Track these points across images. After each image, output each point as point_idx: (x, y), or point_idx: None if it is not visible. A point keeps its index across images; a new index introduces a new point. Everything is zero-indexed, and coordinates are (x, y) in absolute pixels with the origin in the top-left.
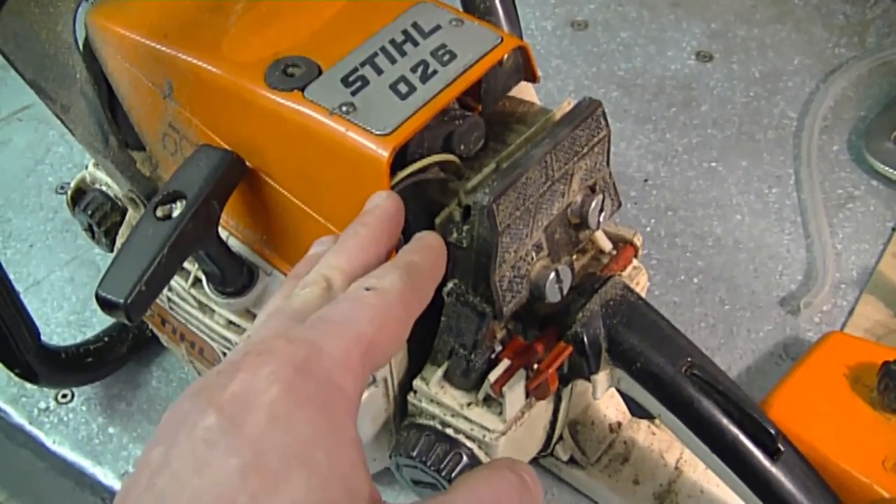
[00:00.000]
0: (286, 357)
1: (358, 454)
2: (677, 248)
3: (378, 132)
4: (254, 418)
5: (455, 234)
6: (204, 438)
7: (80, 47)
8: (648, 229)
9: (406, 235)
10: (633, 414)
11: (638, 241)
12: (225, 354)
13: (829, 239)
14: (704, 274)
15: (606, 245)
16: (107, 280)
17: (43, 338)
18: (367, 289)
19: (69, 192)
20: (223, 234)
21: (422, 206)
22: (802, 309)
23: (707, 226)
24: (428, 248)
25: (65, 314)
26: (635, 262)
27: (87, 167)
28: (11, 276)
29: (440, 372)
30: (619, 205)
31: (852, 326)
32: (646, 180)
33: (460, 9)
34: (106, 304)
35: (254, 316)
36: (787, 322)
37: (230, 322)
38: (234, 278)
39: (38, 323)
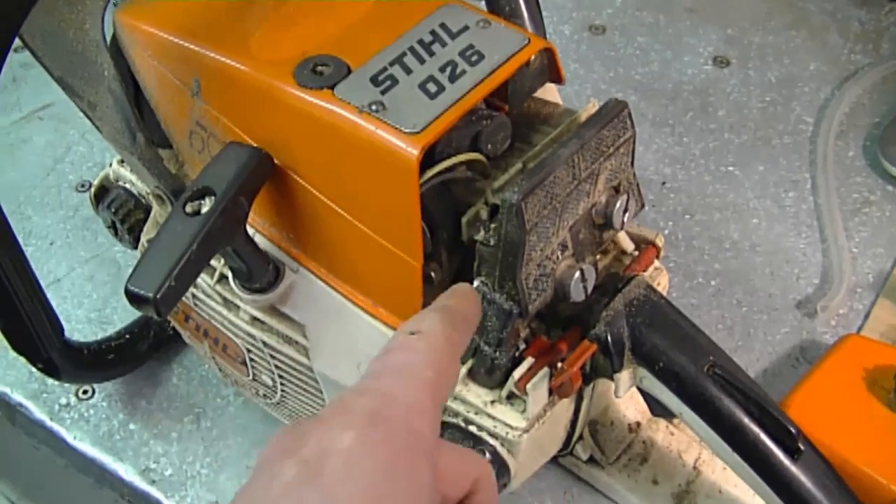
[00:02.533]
0: (360, 408)
1: (431, 498)
2: (695, 251)
3: (408, 131)
4: (330, 466)
5: (482, 233)
6: (282, 490)
7: (108, 45)
8: (666, 232)
9: (433, 233)
10: (653, 413)
11: (660, 242)
12: (249, 351)
13: (845, 243)
14: (722, 277)
15: (629, 245)
16: (136, 275)
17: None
18: (412, 333)
19: (92, 190)
20: (250, 230)
21: (448, 205)
22: (819, 312)
23: (724, 229)
24: (461, 293)
25: (85, 311)
26: (656, 262)
27: (110, 165)
28: None
29: (464, 370)
30: (643, 205)
31: (868, 330)
32: (663, 184)
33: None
34: (135, 299)
35: (279, 312)
36: (803, 325)
37: (255, 318)
38: (261, 275)
39: None
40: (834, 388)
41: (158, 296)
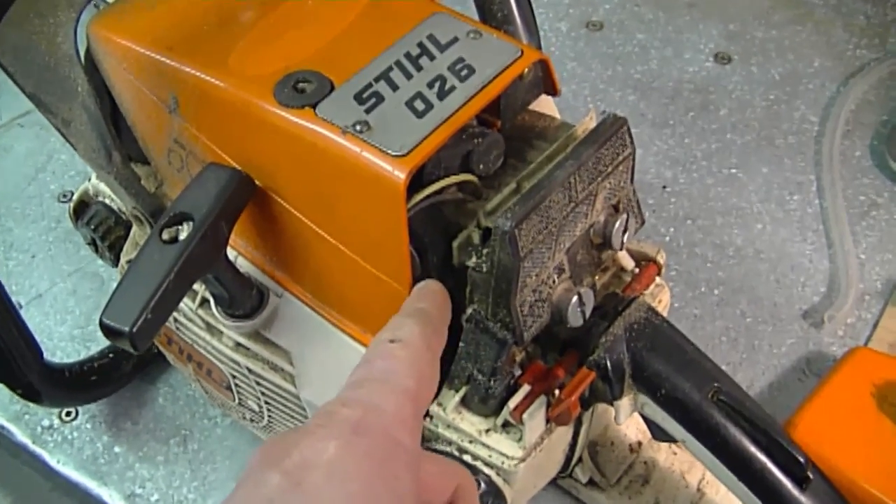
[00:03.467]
0: (343, 419)
1: None
2: (697, 258)
3: (394, 153)
4: (313, 476)
5: (474, 258)
6: (264, 499)
7: (82, 59)
8: (667, 238)
9: (422, 257)
10: (655, 438)
11: (661, 258)
12: (234, 376)
13: (852, 248)
14: (725, 285)
15: (629, 263)
16: (111, 307)
17: (46, 353)
18: (391, 340)
19: (72, 205)
20: (231, 253)
21: (438, 228)
22: (826, 322)
23: (727, 235)
24: (431, 293)
25: (68, 328)
26: (658, 279)
27: (90, 179)
28: (13, 289)
29: (457, 397)
30: (643, 222)
31: (877, 340)
32: (664, 187)
33: (477, 17)
34: (111, 332)
35: (263, 338)
36: (809, 336)
37: (238, 344)
38: (244, 301)
39: (40, 338)
40: (842, 406)
41: (134, 329)
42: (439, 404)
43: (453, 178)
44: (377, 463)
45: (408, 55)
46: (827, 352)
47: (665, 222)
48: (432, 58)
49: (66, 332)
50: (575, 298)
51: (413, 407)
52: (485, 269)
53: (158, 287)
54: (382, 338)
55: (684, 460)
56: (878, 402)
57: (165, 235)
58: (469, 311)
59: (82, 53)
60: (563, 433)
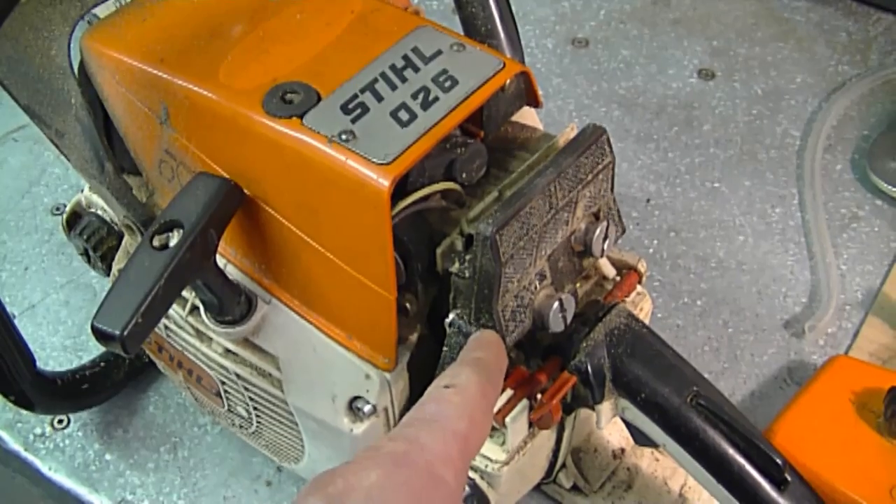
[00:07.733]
0: (388, 451)
1: None
2: (680, 269)
3: (378, 161)
4: (352, 499)
5: (457, 265)
6: None
7: (76, 72)
8: (651, 251)
9: (407, 264)
10: (637, 442)
11: (642, 267)
12: (223, 383)
13: (833, 260)
14: (708, 297)
15: (610, 271)
16: (103, 311)
17: (38, 363)
18: (446, 386)
19: (64, 216)
20: (221, 261)
21: (422, 235)
22: (807, 332)
23: (710, 247)
24: (488, 343)
25: (60, 338)
26: (639, 287)
27: (82, 190)
28: (6, 300)
29: None
30: (623, 230)
31: (857, 350)
32: (648, 200)
33: (461, 32)
34: (102, 336)
35: (252, 344)
36: (791, 345)
37: (228, 351)
38: (233, 307)
39: (33, 348)
40: (822, 413)
41: (125, 333)
42: None
43: (437, 186)
44: (415, 493)
45: (393, 67)
46: (808, 361)
47: (649, 235)
48: (417, 70)
49: (58, 343)
50: (556, 304)
51: (460, 448)
52: (467, 275)
53: (149, 292)
54: (439, 383)
55: (667, 466)
56: (858, 408)
57: (156, 242)
58: (452, 316)
59: (76, 66)
60: (546, 438)
